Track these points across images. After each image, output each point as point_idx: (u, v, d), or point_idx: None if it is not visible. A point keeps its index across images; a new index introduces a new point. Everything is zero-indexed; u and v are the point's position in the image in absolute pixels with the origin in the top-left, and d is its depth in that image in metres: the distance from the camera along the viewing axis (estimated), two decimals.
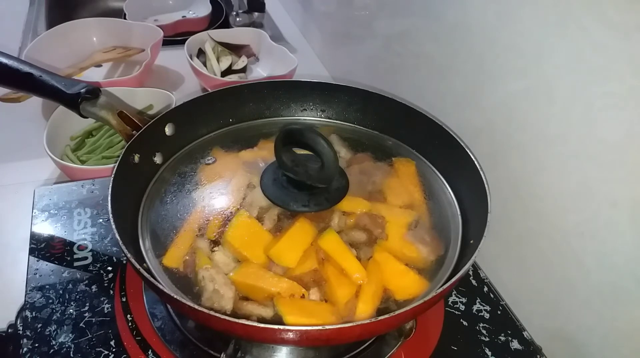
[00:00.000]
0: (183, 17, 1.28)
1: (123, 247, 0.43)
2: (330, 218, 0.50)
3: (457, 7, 0.66)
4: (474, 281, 0.60)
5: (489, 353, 0.52)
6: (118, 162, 0.50)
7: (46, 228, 0.62)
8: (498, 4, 0.59)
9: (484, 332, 0.54)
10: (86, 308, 0.53)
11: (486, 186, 0.50)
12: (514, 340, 0.54)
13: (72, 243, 0.60)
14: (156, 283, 0.41)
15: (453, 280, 0.42)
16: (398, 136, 0.63)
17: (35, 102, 0.92)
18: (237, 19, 1.31)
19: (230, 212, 0.51)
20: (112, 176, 0.49)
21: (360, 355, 0.51)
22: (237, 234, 0.48)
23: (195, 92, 1.05)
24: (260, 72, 1.11)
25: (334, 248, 0.47)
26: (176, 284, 0.46)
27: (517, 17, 0.56)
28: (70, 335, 0.50)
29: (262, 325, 0.38)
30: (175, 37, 1.18)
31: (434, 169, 0.59)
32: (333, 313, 0.44)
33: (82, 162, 0.79)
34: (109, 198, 0.46)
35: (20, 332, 0.50)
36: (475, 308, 0.57)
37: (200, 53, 1.07)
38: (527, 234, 0.60)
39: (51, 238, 0.60)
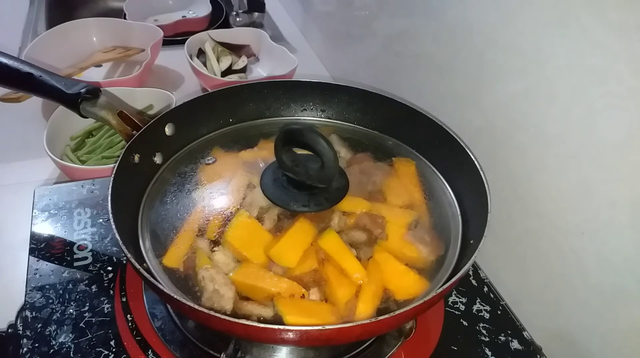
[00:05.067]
0: (183, 17, 1.28)
1: (123, 247, 0.43)
2: (330, 218, 0.50)
3: (457, 7, 0.66)
4: (474, 281, 0.60)
5: (489, 353, 0.52)
6: (118, 162, 0.50)
7: (46, 228, 0.62)
8: (498, 4, 0.59)
9: (484, 332, 0.54)
10: (86, 308, 0.53)
11: (486, 186, 0.50)
12: (514, 340, 0.54)
13: (72, 243, 0.60)
14: (156, 283, 0.41)
15: (453, 280, 0.42)
16: (398, 136, 0.63)
17: (35, 102, 0.92)
18: (237, 19, 1.31)
19: (230, 212, 0.51)
20: (112, 176, 0.48)
21: (360, 355, 0.51)
22: (237, 234, 0.48)
23: (195, 92, 1.05)
24: (260, 72, 1.11)
25: (334, 248, 0.47)
26: (176, 284, 0.46)
27: (517, 17, 0.56)
28: (70, 335, 0.50)
29: (262, 325, 0.38)
30: (175, 37, 1.18)
31: (434, 169, 0.59)
32: (333, 313, 0.44)
33: (82, 162, 0.79)
34: (109, 198, 0.46)
35: (20, 332, 0.50)
36: (475, 308, 0.57)
37: (200, 53, 1.07)
38: (527, 234, 0.60)
39: (51, 238, 0.60)
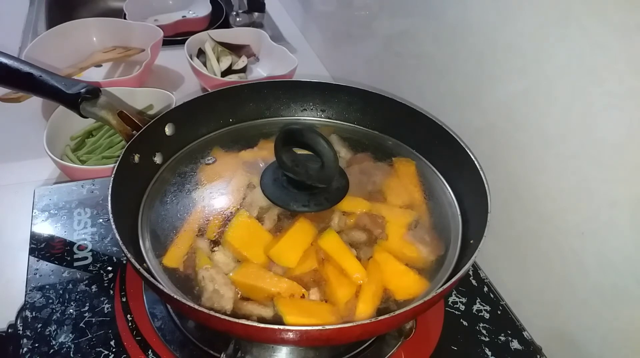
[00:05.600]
0: (183, 17, 1.29)
1: (123, 247, 0.43)
2: (330, 218, 0.50)
3: (457, 7, 0.66)
4: (474, 281, 0.60)
5: (489, 353, 0.52)
6: (118, 162, 0.50)
7: (46, 228, 0.62)
8: (498, 4, 0.59)
9: (484, 332, 0.54)
10: (86, 308, 0.53)
11: (486, 186, 0.50)
12: (514, 340, 0.54)
13: (72, 243, 0.60)
14: (156, 283, 0.41)
15: (453, 280, 0.42)
16: (398, 136, 0.63)
17: (35, 102, 0.92)
18: (237, 19, 1.31)
19: (230, 212, 0.51)
20: (112, 176, 0.49)
21: (360, 355, 0.51)
22: (237, 234, 0.48)
23: (195, 92, 1.05)
24: (260, 72, 1.11)
25: (334, 248, 0.47)
26: (176, 284, 0.46)
27: (517, 17, 0.56)
28: (70, 335, 0.50)
29: (262, 325, 0.38)
30: (175, 37, 1.18)
31: (434, 169, 0.59)
32: (333, 313, 0.44)
33: (82, 162, 0.79)
34: (109, 198, 0.46)
35: (20, 332, 0.50)
36: (475, 308, 0.57)
37: (200, 53, 1.07)
38: (527, 234, 0.60)
39: (51, 238, 0.60)
